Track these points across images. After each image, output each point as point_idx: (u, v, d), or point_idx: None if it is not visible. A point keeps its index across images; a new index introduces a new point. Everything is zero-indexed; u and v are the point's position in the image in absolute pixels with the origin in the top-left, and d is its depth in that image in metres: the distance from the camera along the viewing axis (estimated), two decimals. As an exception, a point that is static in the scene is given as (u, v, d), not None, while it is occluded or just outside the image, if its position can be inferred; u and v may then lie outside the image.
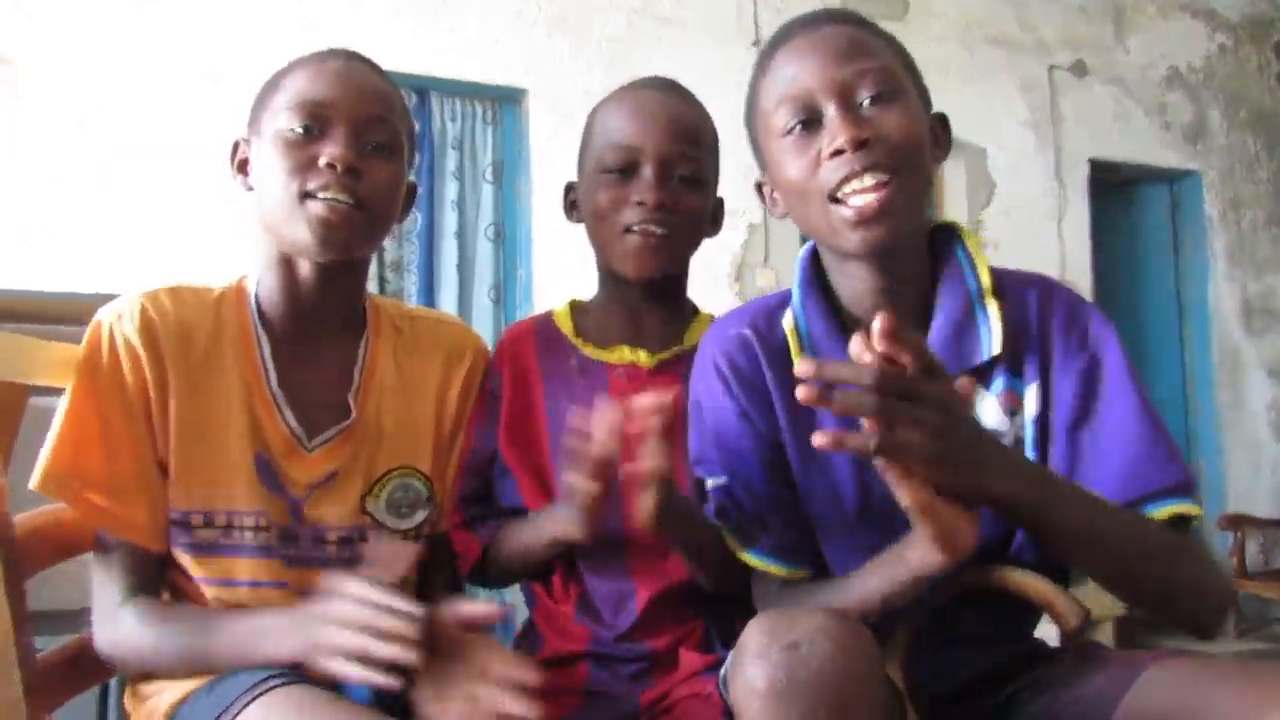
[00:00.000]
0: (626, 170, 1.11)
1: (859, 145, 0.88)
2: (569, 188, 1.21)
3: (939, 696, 0.98)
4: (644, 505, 0.91)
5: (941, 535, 0.78)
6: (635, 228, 1.09)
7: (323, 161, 0.98)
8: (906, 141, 0.91)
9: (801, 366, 0.73)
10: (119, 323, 0.98)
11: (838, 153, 0.89)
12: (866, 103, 0.91)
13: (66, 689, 1.01)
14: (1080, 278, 4.39)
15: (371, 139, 1.02)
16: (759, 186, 1.05)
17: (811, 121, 0.92)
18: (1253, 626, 4.40)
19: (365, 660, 0.82)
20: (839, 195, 0.90)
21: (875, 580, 0.88)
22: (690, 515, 1.00)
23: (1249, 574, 4.25)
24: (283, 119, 1.00)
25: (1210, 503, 4.59)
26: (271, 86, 1.05)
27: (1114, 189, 4.70)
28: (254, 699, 0.85)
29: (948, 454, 0.75)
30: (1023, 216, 4.30)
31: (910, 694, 0.93)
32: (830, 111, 0.91)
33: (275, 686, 0.85)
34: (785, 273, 3.82)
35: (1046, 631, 1.02)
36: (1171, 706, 0.82)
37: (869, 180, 0.89)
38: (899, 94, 0.92)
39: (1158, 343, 4.72)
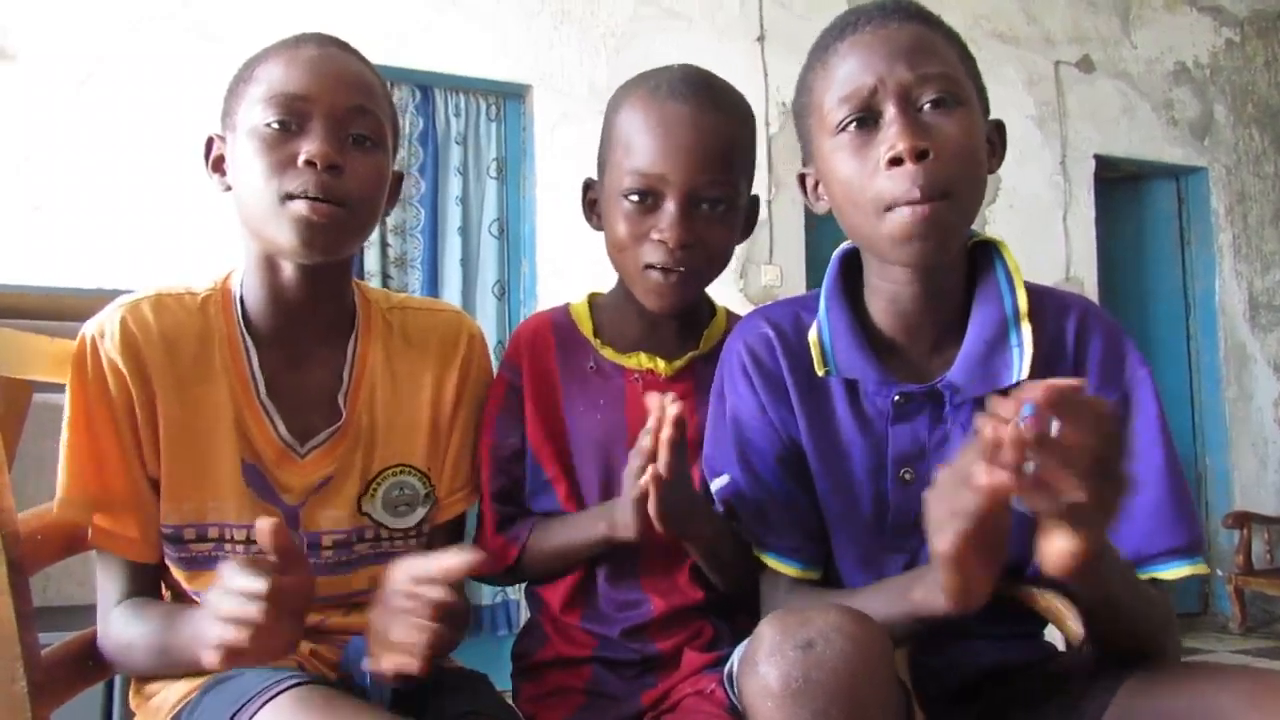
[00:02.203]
0: (647, 197, 1.03)
1: (918, 156, 0.85)
2: (588, 185, 1.15)
3: (944, 694, 0.97)
4: (650, 510, 0.90)
5: (960, 589, 0.75)
6: (656, 266, 1.03)
7: (301, 159, 0.93)
8: (966, 155, 0.88)
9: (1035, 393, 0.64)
10: (101, 341, 0.96)
11: (895, 161, 0.86)
12: (928, 107, 0.88)
13: (71, 685, 1.00)
14: (1086, 273, 4.38)
15: (352, 130, 0.97)
16: (801, 178, 1.02)
17: (868, 120, 0.89)
18: (1258, 624, 4.39)
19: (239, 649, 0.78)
20: (891, 205, 0.87)
21: (877, 604, 0.86)
22: (702, 512, 0.99)
23: (1254, 571, 4.24)
24: (257, 113, 0.95)
25: (1216, 499, 4.59)
26: (244, 77, 1.00)
27: (1120, 184, 4.68)
28: (267, 701, 0.83)
29: (1101, 542, 0.70)
30: (1028, 212, 4.29)
31: (916, 691, 0.93)
32: (890, 114, 0.87)
33: (289, 688, 0.84)
34: (789, 270, 3.81)
35: (1053, 632, 1.01)
36: (1173, 709, 0.81)
37: (924, 195, 0.85)
38: (961, 102, 0.89)
39: (1164, 338, 4.71)
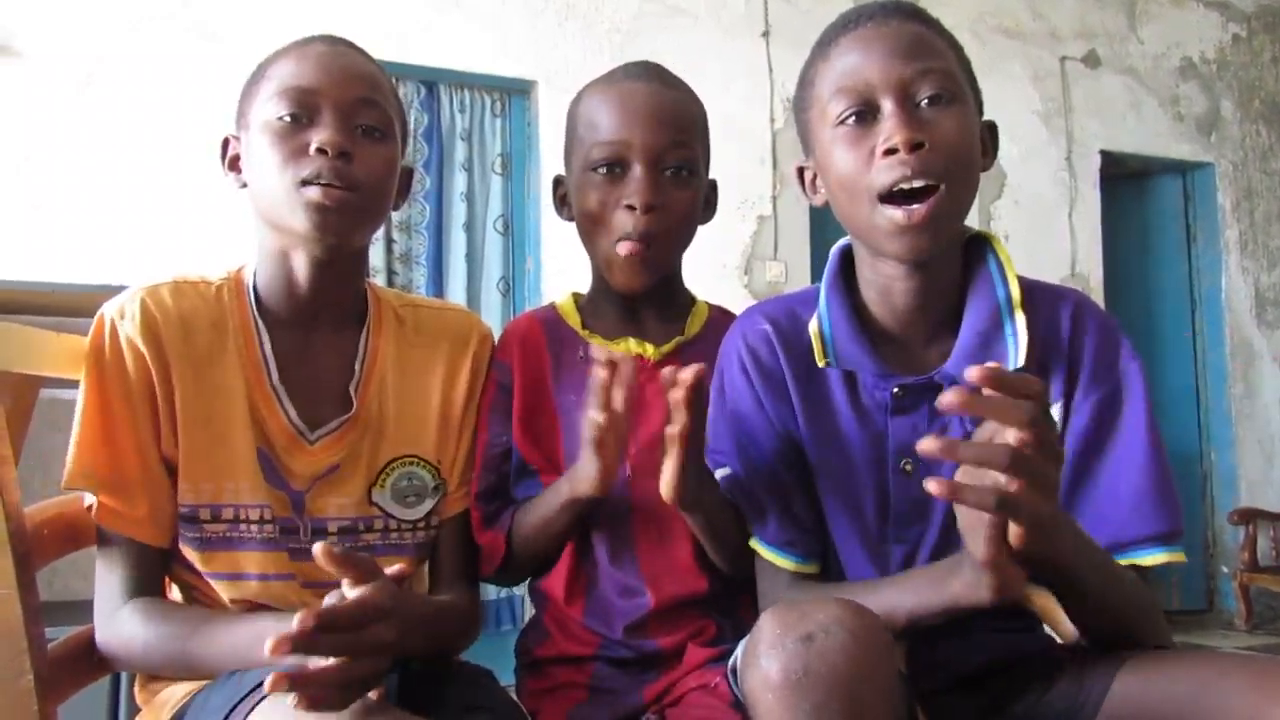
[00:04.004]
0: (616, 167, 1.09)
1: (914, 148, 0.87)
2: (557, 182, 1.21)
3: (944, 687, 0.98)
4: (666, 472, 0.92)
5: (1003, 583, 0.77)
6: (629, 236, 1.08)
7: (313, 148, 0.97)
8: (960, 149, 0.90)
9: (948, 398, 0.69)
10: (121, 321, 0.98)
11: (891, 152, 0.88)
12: (925, 103, 0.90)
13: (77, 680, 1.01)
14: (1091, 270, 4.37)
15: (361, 121, 1.01)
16: (799, 171, 1.04)
17: (866, 114, 0.91)
18: (1264, 621, 4.38)
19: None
20: (887, 197, 0.90)
21: (907, 597, 0.88)
22: (709, 489, 1.01)
23: (1260, 568, 4.24)
24: (270, 108, 0.99)
25: (1222, 496, 4.58)
26: (256, 77, 1.04)
27: (1126, 180, 4.67)
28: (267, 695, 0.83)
29: (1047, 517, 0.73)
30: (1034, 208, 4.28)
31: (915, 684, 0.93)
32: (888, 108, 0.90)
33: None
34: (794, 265, 3.81)
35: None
36: (1173, 695, 0.82)
37: (919, 184, 0.88)
38: (958, 98, 0.92)
39: (1170, 335, 4.70)
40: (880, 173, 0.89)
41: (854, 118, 0.92)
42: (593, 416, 0.94)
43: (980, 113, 0.97)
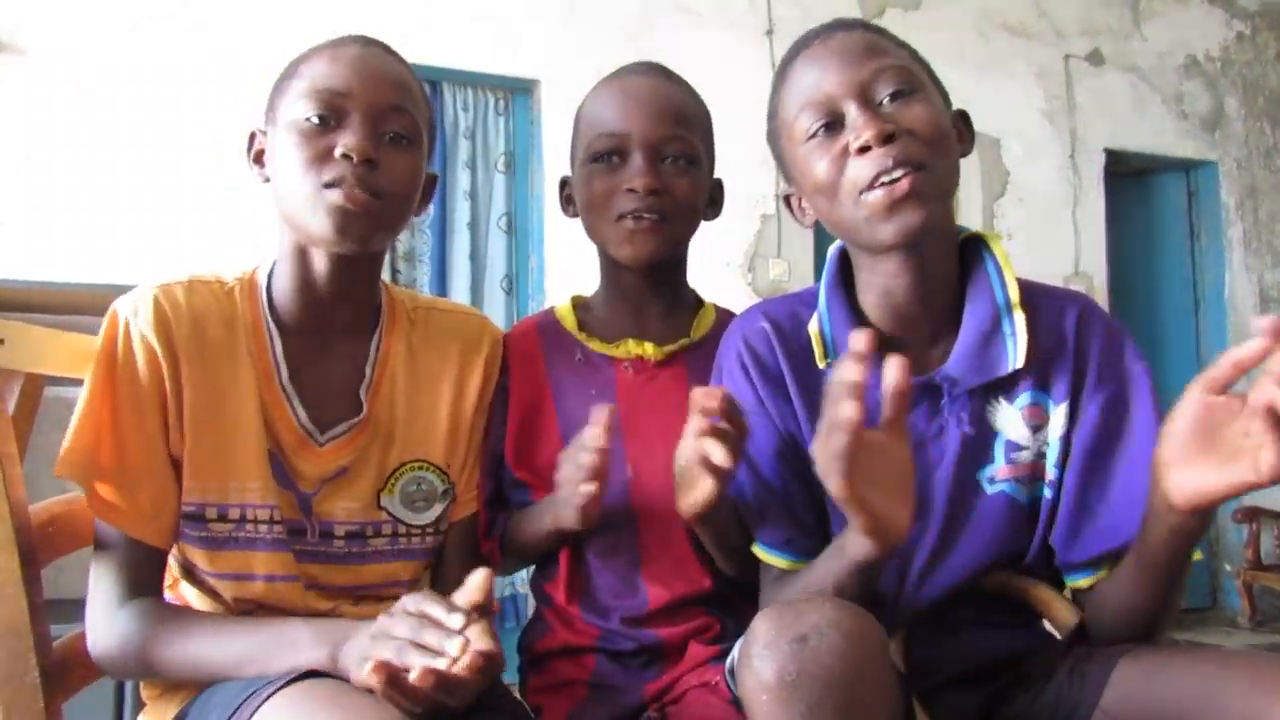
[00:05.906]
0: (616, 157, 1.11)
1: (885, 140, 0.88)
2: (563, 183, 1.22)
3: (945, 681, 0.98)
4: (699, 493, 0.91)
5: (872, 526, 0.79)
6: (628, 215, 1.09)
7: (338, 153, 0.96)
8: (932, 133, 0.90)
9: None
10: (134, 318, 0.97)
11: (864, 149, 0.89)
12: (886, 100, 0.91)
13: (82, 676, 1.01)
14: (1095, 268, 4.36)
15: (389, 128, 1.00)
16: (786, 200, 1.05)
17: (834, 124, 0.92)
18: (1267, 619, 4.38)
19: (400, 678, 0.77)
20: (868, 189, 0.90)
21: (824, 569, 0.89)
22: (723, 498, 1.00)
23: (1264, 566, 4.24)
24: (298, 108, 0.98)
25: (1225, 494, 4.57)
26: (287, 74, 1.03)
27: (1130, 178, 4.66)
28: (279, 689, 0.83)
29: None
30: (1038, 206, 4.27)
31: (915, 678, 0.94)
32: (852, 111, 0.91)
33: (297, 678, 0.84)
34: (798, 263, 3.81)
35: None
36: (1173, 694, 0.82)
37: (899, 174, 0.88)
38: (919, 89, 0.92)
39: (1173, 333, 4.69)
40: (859, 169, 0.89)
41: (823, 130, 0.92)
42: (584, 488, 0.95)
43: (947, 104, 0.98)
